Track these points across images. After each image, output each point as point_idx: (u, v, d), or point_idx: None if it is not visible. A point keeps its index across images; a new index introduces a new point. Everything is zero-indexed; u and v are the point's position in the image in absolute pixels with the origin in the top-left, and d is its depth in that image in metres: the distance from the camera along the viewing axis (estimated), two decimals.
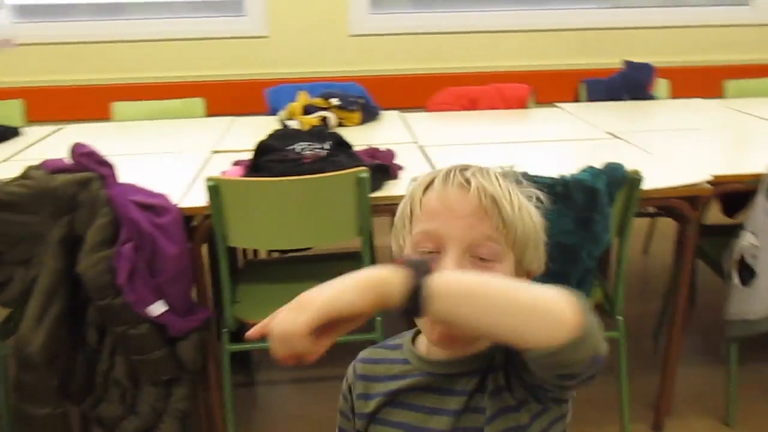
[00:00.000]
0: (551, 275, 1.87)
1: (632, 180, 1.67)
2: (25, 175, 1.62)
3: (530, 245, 0.81)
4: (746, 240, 1.93)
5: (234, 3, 3.44)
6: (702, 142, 2.29)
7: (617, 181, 1.64)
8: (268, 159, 1.72)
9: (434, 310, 0.65)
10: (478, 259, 0.77)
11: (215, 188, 1.63)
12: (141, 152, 2.34)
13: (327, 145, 1.82)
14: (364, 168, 1.65)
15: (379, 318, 1.83)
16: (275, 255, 2.43)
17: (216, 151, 2.24)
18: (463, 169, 0.80)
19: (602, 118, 2.59)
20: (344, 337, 0.70)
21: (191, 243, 1.73)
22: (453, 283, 0.67)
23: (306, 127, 2.33)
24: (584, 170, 1.66)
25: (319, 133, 1.89)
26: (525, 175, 0.85)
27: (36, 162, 1.68)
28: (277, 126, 2.57)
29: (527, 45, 3.59)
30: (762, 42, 3.67)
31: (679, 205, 1.81)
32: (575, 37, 3.59)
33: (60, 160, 1.69)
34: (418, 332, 0.86)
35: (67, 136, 2.59)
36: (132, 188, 1.70)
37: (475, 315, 0.65)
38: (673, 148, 2.17)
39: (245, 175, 1.75)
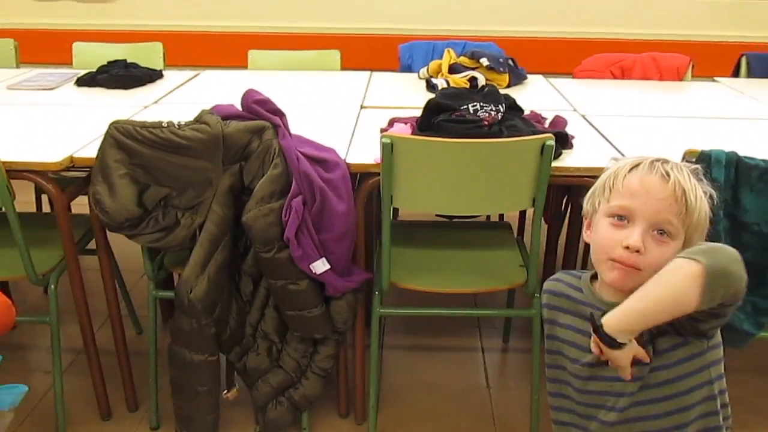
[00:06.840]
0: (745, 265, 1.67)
1: None
2: (199, 119, 1.58)
3: (698, 232, 1.00)
4: None
5: None
6: None
7: None
8: (443, 119, 1.62)
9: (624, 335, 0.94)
10: (657, 234, 0.97)
11: (390, 146, 1.54)
12: (286, 103, 2.29)
13: (501, 108, 1.70)
14: (550, 135, 1.53)
15: None
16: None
17: (364, 107, 2.17)
18: (665, 162, 1.00)
19: None
20: None
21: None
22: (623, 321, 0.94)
23: (456, 87, 2.22)
24: None
25: (492, 94, 1.76)
26: (705, 174, 1.03)
27: (181, 106, 1.63)
28: (421, 84, 2.48)
29: (680, 12, 3.32)
30: None
31: None
32: (736, 7, 3.30)
33: (231, 105, 1.64)
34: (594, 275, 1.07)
35: (205, 82, 2.58)
36: (301, 140, 1.64)
37: (647, 323, 0.94)
38: None
39: (416, 134, 1.65)
